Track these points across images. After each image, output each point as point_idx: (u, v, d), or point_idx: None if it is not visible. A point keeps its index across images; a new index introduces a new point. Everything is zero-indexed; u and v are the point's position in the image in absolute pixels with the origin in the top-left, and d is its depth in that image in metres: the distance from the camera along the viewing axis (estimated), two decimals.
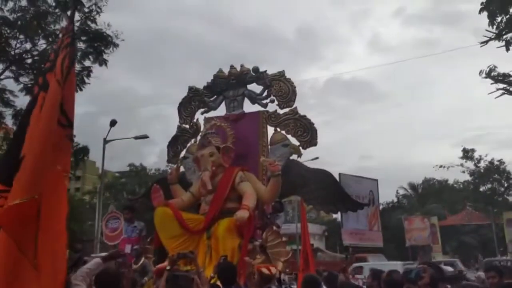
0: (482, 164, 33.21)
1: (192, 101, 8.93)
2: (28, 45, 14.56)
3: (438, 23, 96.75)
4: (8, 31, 14.00)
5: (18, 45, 14.27)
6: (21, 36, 13.94)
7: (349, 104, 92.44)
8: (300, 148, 7.86)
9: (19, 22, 13.61)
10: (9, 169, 2.91)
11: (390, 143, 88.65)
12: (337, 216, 36.55)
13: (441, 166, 32.86)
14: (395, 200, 45.83)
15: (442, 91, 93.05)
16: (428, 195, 45.40)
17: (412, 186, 46.04)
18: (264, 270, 5.57)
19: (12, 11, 13.82)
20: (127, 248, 8.20)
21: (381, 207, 38.94)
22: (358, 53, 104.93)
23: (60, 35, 3.33)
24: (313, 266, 5.49)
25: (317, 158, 22.89)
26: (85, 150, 16.66)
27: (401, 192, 45.84)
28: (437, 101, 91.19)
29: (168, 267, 5.06)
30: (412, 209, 41.89)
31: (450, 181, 48.10)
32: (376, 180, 35.15)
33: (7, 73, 14.49)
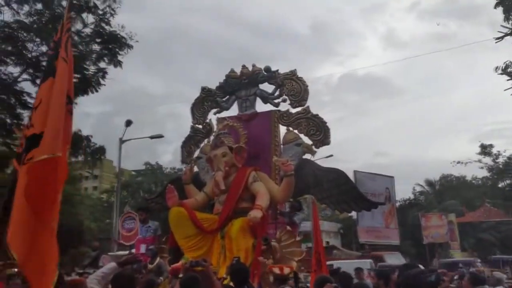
0: (501, 160, 32.71)
1: (205, 101, 8.99)
2: (44, 48, 14.77)
3: (453, 17, 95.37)
4: (25, 34, 14.25)
5: (34, 48, 14.51)
6: (37, 39, 14.18)
7: (363, 100, 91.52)
8: (313, 147, 7.85)
9: (35, 26, 13.85)
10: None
11: (406, 139, 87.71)
12: (353, 213, 36.33)
13: (458, 162, 32.53)
14: (412, 197, 45.33)
15: (458, 86, 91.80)
16: (446, 191, 44.82)
17: (429, 183, 45.47)
18: (276, 270, 5.60)
19: (28, 14, 14.08)
20: (142, 248, 8.32)
21: (397, 204, 38.57)
22: (372, 48, 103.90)
23: (62, 22, 3.55)
24: (326, 266, 5.49)
25: (331, 155, 22.78)
26: (101, 150, 16.87)
27: (418, 189, 45.33)
28: (453, 95, 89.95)
29: (181, 275, 5.11)
30: (429, 206, 41.42)
31: (468, 177, 47.49)
32: (392, 177, 34.83)
33: (24, 75, 14.77)
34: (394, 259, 21.61)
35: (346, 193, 7.62)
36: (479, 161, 32.68)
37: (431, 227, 35.41)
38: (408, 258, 28.16)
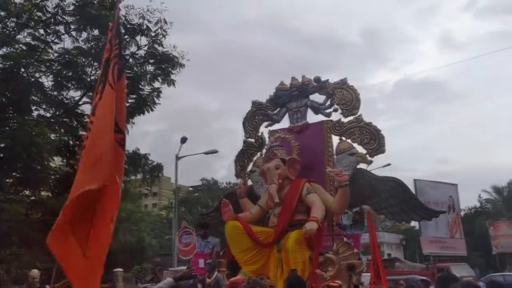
0: None
1: (256, 115, 9.02)
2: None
3: None
4: (83, 60, 14.99)
5: (93, 72, 15.23)
6: (95, 64, 14.85)
7: (422, 106, 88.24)
8: (368, 156, 7.65)
9: (92, 51, 14.54)
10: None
11: (469, 145, 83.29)
12: (415, 224, 35.05)
13: None
14: (478, 205, 43.16)
15: None
16: None
17: (497, 190, 42.93)
18: (333, 284, 5.46)
19: (86, 40, 14.81)
20: (200, 263, 8.41)
21: (462, 213, 36.82)
22: (428, 52, 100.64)
23: (108, 46, 3.62)
24: (385, 278, 5.28)
25: (388, 164, 22.23)
26: (159, 167, 17.35)
27: (485, 196, 43.03)
28: None
29: None
30: (497, 214, 39.20)
31: None
32: (456, 185, 33.28)
33: (85, 99, 15.50)
34: (462, 271, 20.50)
35: (405, 202, 7.35)
36: None
37: (501, 236, 33.41)
38: (477, 269, 26.66)
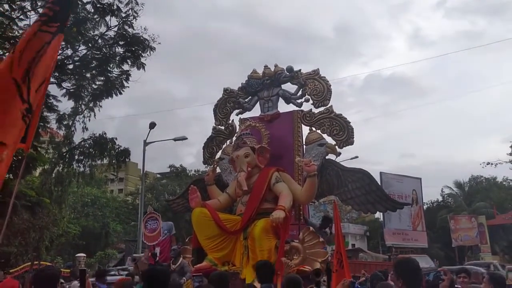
0: None
1: (227, 102, 8.95)
2: (69, 51, 15.01)
3: (481, 15, 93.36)
4: None
5: (59, 52, 14.73)
6: (62, 43, 14.36)
7: (390, 101, 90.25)
8: (337, 147, 7.71)
9: None
10: None
11: (434, 140, 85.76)
12: (379, 215, 35.84)
13: (488, 163, 31.61)
14: (440, 199, 44.45)
15: (489, 84, 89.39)
16: (475, 193, 43.64)
17: (458, 184, 44.31)
18: (304, 268, 5.52)
19: None
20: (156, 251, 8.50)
21: (425, 206, 37.81)
22: (398, 48, 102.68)
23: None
24: (348, 267, 5.34)
25: (356, 157, 22.61)
26: (126, 152, 17.02)
27: (447, 190, 44.30)
28: (484, 95, 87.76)
29: None
30: (458, 208, 40.45)
31: (499, 179, 46.11)
32: (420, 179, 34.12)
33: (51, 79, 15.01)
34: (422, 262, 21.12)
35: (371, 193, 7.45)
36: (510, 162, 31.65)
37: (460, 230, 34.58)
38: (436, 260, 27.53)
